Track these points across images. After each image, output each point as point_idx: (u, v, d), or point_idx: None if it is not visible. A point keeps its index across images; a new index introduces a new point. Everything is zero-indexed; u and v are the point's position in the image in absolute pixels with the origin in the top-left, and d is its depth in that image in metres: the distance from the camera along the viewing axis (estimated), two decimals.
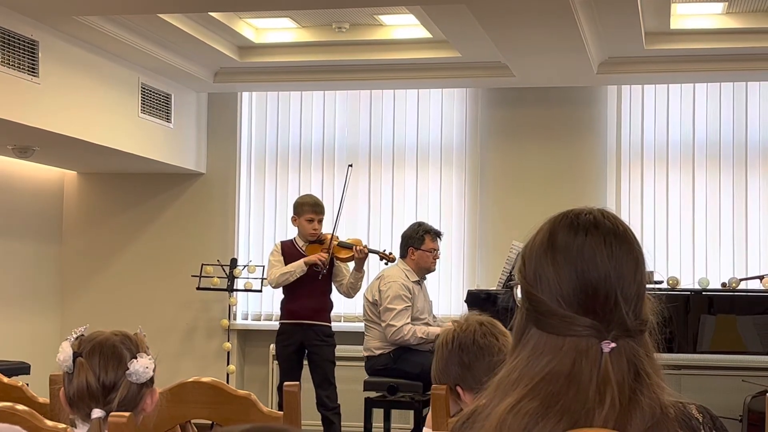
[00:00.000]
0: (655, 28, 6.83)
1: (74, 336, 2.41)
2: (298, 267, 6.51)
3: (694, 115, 7.76)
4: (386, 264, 6.74)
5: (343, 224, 6.87)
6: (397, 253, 6.76)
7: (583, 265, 1.63)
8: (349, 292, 6.70)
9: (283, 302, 6.70)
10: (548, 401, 1.57)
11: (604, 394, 1.56)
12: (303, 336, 6.57)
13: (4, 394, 2.78)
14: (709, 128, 7.73)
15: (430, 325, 6.66)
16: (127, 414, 2.05)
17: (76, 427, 2.31)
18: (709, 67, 7.20)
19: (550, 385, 1.58)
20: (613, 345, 1.59)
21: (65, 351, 2.37)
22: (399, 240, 6.83)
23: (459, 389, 2.67)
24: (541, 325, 1.63)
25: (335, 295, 6.76)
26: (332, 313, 6.73)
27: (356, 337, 7.17)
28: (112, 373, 2.34)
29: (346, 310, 7.63)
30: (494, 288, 6.91)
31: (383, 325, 6.51)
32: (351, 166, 7.06)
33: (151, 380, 2.41)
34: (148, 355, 2.41)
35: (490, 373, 1.72)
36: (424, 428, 2.71)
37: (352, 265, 6.68)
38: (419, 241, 6.68)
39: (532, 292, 1.65)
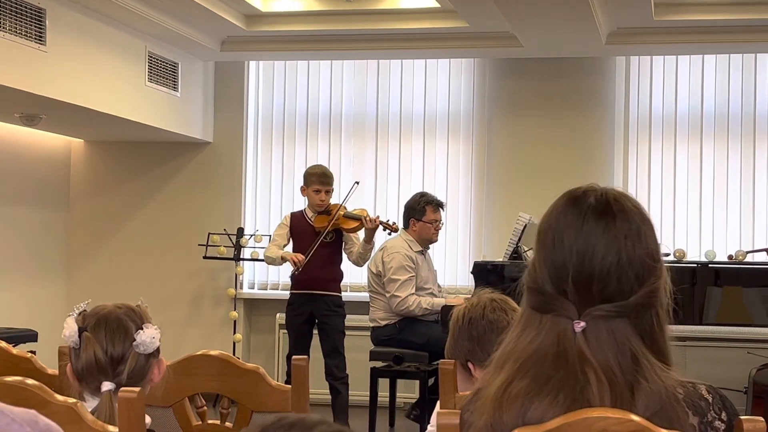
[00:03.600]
0: None
1: (77, 311, 2.41)
2: (277, 258, 6.63)
3: (703, 86, 7.72)
4: (389, 234, 6.73)
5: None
6: (400, 224, 6.76)
7: (555, 243, 1.63)
8: (359, 261, 6.71)
9: (293, 272, 6.71)
10: (538, 379, 1.58)
11: (586, 373, 1.56)
12: (313, 306, 6.58)
13: (13, 366, 2.79)
14: (718, 100, 7.69)
15: (435, 296, 6.67)
16: (136, 389, 2.06)
17: (85, 401, 2.32)
18: (718, 38, 7.14)
19: (537, 365, 1.59)
20: (582, 325, 1.58)
21: (70, 326, 2.38)
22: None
23: (471, 365, 2.68)
24: (529, 301, 1.66)
25: (344, 265, 6.77)
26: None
27: (362, 307, 7.18)
28: (119, 345, 2.35)
29: (352, 280, 7.63)
30: (500, 259, 6.91)
31: (388, 296, 6.51)
32: (357, 183, 6.93)
33: (158, 350, 2.42)
34: (153, 325, 2.42)
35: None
36: (438, 404, 2.71)
37: (361, 234, 6.68)
38: (420, 213, 6.66)
39: (528, 268, 1.69)
